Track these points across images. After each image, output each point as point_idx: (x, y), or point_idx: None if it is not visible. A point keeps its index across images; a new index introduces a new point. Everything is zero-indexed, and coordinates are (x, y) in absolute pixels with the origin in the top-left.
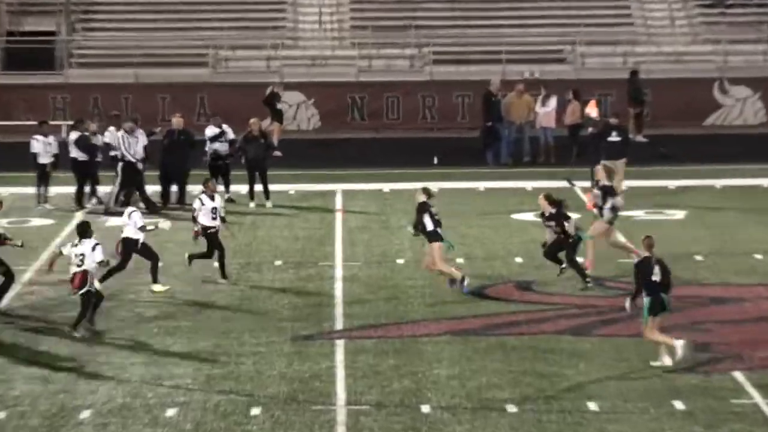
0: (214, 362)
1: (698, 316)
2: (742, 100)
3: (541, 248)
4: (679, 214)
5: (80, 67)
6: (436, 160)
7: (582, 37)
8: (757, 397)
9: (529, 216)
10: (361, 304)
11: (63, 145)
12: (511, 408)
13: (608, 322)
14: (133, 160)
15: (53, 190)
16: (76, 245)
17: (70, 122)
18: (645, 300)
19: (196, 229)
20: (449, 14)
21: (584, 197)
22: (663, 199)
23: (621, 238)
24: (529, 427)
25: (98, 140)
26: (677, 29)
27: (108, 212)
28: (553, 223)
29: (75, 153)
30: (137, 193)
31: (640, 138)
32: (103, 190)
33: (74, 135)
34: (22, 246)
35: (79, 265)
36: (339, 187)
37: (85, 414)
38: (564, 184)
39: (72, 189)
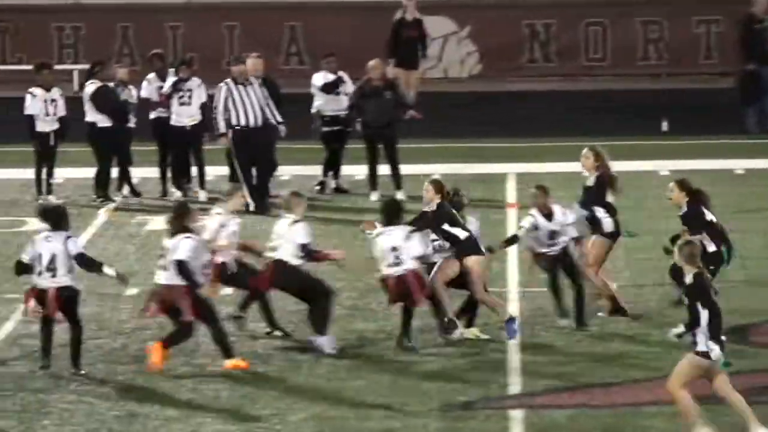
0: None
1: None
2: None
3: None
4: None
5: None
6: (665, 126)
7: None
8: None
9: None
10: (548, 353)
11: (74, 104)
12: None
13: None
14: (184, 125)
15: (61, 174)
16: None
17: (86, 66)
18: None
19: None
20: None
21: None
22: None
23: None
24: None
25: (130, 95)
26: None
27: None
28: None
29: (93, 115)
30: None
31: None
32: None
33: (92, 87)
34: None
35: None
36: (511, 168)
37: None
38: None
39: (90, 172)
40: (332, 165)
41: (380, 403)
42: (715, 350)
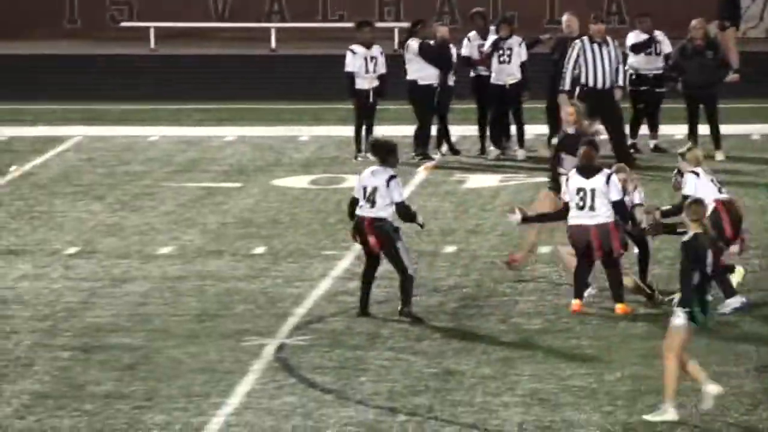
0: (633, 401)
1: None
2: None
3: None
4: None
5: None
6: None
7: None
8: None
9: None
10: None
11: (394, 62)
12: None
13: None
14: (503, 84)
15: (379, 131)
16: None
17: (406, 24)
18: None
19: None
20: None
21: None
22: None
23: None
24: None
25: (451, 52)
26: None
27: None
28: None
29: (414, 73)
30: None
31: None
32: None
33: (415, 42)
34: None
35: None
36: None
37: None
38: None
39: (409, 130)
40: (637, 124)
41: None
42: (682, 317)
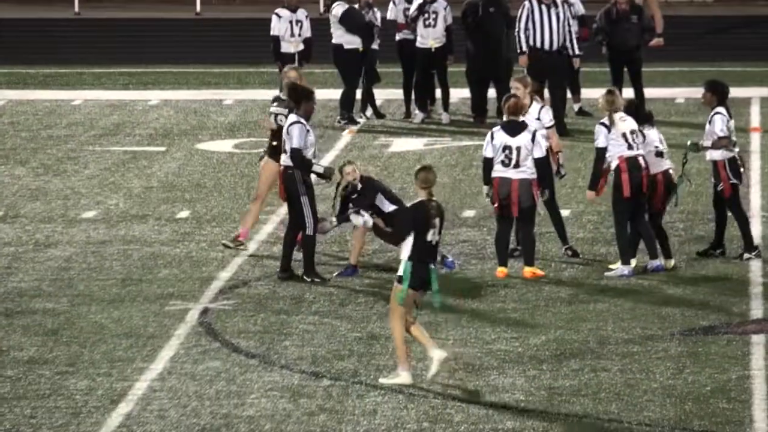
0: (557, 364)
1: None
2: None
3: None
4: None
5: None
6: None
7: None
8: None
9: None
10: None
11: (319, 25)
12: None
13: None
14: (429, 47)
15: None
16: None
17: None
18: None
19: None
20: None
21: None
22: None
23: None
24: None
25: (374, 17)
26: None
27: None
28: None
29: (340, 37)
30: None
31: None
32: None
33: (340, 8)
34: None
35: None
36: (756, 92)
37: None
38: None
39: (335, 94)
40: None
41: (620, 327)
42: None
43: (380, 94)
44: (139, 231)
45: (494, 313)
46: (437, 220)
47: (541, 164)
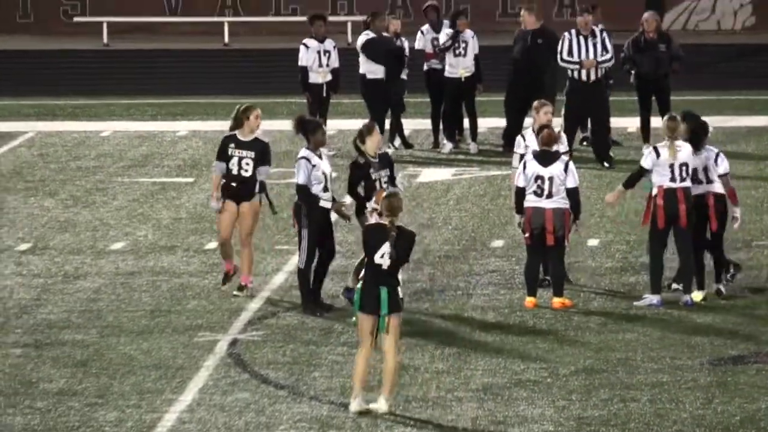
0: (586, 394)
1: None
2: None
3: None
4: None
5: None
6: None
7: None
8: None
9: None
10: None
11: (347, 56)
12: None
13: None
14: (459, 76)
15: (333, 125)
16: None
17: (359, 18)
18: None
19: None
20: None
21: None
22: None
23: None
24: None
25: (402, 47)
26: None
27: None
28: None
29: (364, 66)
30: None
31: None
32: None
33: (363, 37)
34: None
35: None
36: None
37: None
38: None
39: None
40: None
41: (649, 357)
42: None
43: (408, 124)
44: (167, 262)
45: (523, 343)
46: (387, 245)
47: (574, 194)
